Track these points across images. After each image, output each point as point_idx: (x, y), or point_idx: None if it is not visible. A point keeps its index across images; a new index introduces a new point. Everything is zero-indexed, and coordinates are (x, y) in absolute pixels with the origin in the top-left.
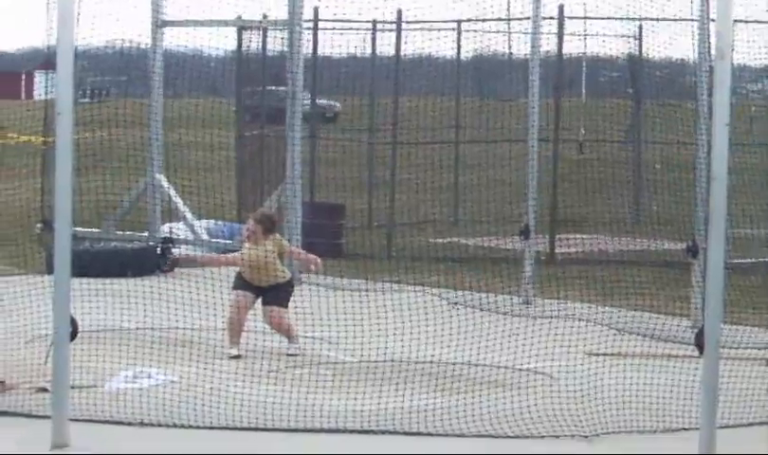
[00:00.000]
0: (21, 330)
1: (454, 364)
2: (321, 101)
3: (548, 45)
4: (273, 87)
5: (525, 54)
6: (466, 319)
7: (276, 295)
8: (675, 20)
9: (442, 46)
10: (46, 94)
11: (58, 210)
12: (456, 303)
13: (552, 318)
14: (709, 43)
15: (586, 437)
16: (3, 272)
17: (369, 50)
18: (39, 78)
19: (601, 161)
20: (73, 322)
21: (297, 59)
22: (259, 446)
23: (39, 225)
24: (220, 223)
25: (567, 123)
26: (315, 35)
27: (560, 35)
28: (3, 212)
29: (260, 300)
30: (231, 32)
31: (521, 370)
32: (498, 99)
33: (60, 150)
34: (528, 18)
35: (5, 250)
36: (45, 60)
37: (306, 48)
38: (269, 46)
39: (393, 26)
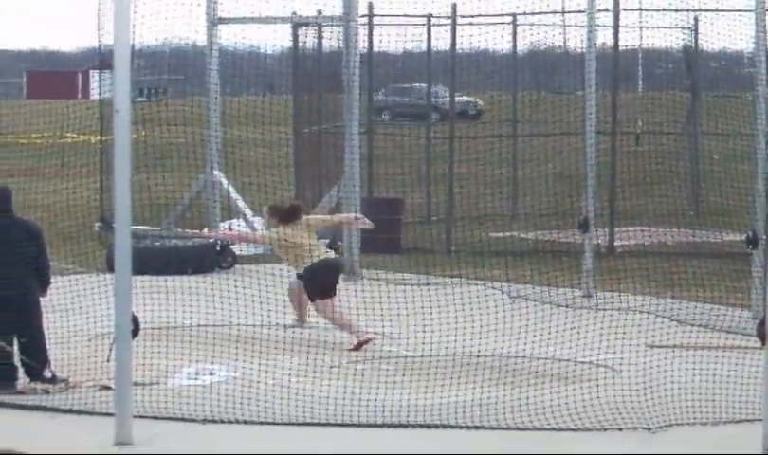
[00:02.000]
0: (83, 328)
1: (516, 358)
2: (462, 98)
3: (603, 37)
4: (409, 85)
5: (581, 47)
6: (528, 313)
7: None
8: (731, 11)
9: (498, 40)
10: (101, 93)
11: (117, 208)
12: (517, 297)
13: (613, 310)
14: (765, 33)
15: (649, 429)
16: (65, 271)
17: (424, 45)
18: (94, 77)
19: (659, 153)
20: (135, 320)
21: (352, 55)
22: (321, 442)
23: (98, 223)
24: None
25: (624, 116)
26: (370, 31)
27: (616, 27)
28: (64, 211)
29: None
30: (286, 29)
31: (582, 362)
32: (555, 92)
33: (118, 147)
34: (583, 11)
35: (66, 249)
36: (100, 59)
37: (361, 44)
38: (325, 43)
39: (449, 20)
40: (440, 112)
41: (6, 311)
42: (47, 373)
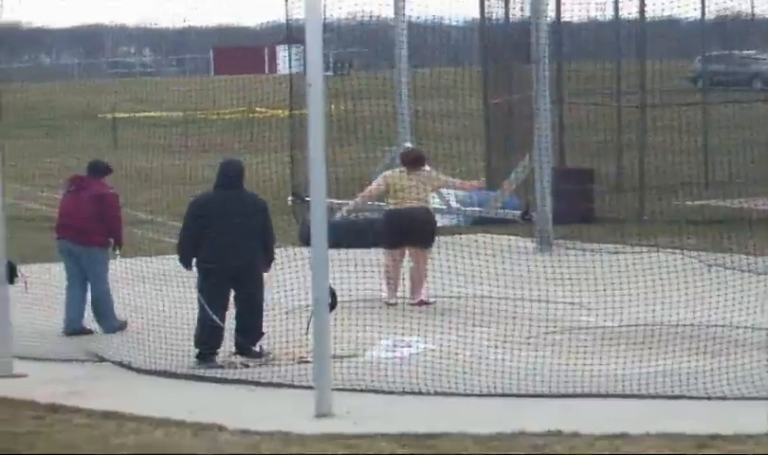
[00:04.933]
0: (280, 302)
1: (714, 326)
2: None
3: None
4: (727, 51)
5: None
6: (725, 281)
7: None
8: None
9: (685, 8)
10: (290, 68)
11: (312, 181)
12: (714, 265)
13: None
14: None
15: None
16: None
17: (611, 14)
18: (282, 52)
19: None
20: (332, 293)
21: (541, 24)
22: (520, 413)
23: (290, 197)
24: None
25: None
26: (558, 1)
27: None
28: (255, 186)
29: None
30: (473, 1)
31: None
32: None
33: (312, 120)
34: None
35: None
36: (287, 34)
37: (549, 14)
38: (512, 13)
39: None
40: (762, 79)
41: (233, 283)
42: (257, 347)
